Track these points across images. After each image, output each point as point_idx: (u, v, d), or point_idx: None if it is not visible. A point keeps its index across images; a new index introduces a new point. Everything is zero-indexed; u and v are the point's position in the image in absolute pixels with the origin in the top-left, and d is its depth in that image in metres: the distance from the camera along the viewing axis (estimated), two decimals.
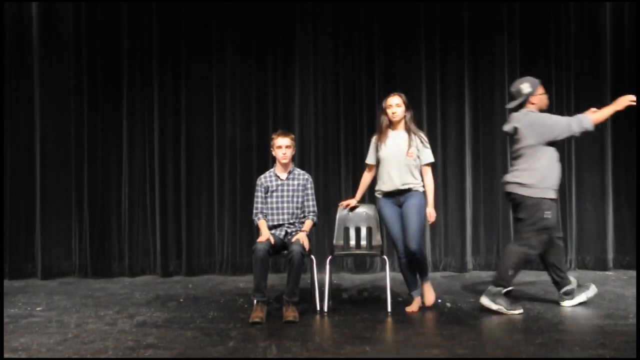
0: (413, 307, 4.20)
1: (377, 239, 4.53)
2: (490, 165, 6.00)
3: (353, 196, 4.57)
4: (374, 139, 4.30)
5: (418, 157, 4.21)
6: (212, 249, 5.89)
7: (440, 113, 6.01)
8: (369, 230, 4.54)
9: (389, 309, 4.17)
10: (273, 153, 4.36)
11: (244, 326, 3.85)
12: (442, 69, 6.02)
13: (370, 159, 4.33)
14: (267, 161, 5.72)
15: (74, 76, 5.80)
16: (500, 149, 5.98)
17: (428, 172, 4.26)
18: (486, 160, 6.02)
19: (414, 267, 4.25)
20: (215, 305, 4.49)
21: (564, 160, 5.98)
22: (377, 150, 4.24)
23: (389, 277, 4.32)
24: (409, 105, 4.25)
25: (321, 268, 4.57)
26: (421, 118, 5.96)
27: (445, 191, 5.98)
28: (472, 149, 6.01)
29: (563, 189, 5.97)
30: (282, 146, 4.27)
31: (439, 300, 4.57)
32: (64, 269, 5.77)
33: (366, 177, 4.42)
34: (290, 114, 5.97)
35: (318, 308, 4.18)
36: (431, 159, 4.28)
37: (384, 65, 5.98)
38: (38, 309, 4.40)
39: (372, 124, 5.91)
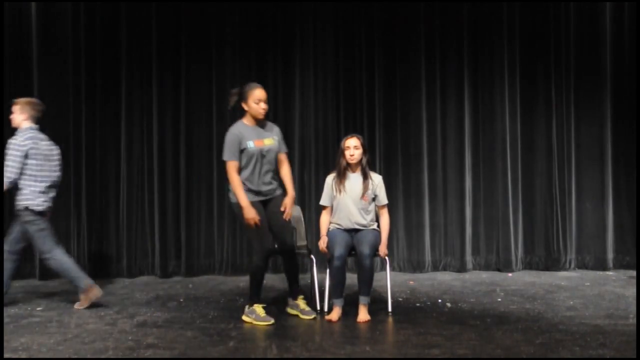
0: (333, 316, 3.99)
1: None
2: (490, 165, 6.01)
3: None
4: (330, 180, 4.29)
5: (373, 200, 4.26)
6: (211, 249, 5.89)
7: (440, 113, 6.01)
8: None
9: (389, 309, 4.16)
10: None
11: (244, 326, 3.85)
12: (442, 68, 6.02)
13: (325, 201, 4.30)
14: None
15: (73, 76, 5.79)
16: (500, 149, 5.98)
17: (384, 214, 4.29)
18: (486, 160, 6.02)
19: (345, 274, 4.08)
20: (216, 305, 4.49)
21: (563, 160, 6.02)
22: (333, 191, 4.24)
23: (389, 277, 4.32)
24: (366, 148, 4.30)
25: (321, 268, 4.57)
26: (421, 118, 5.98)
27: (445, 191, 5.99)
28: (472, 149, 6.01)
29: (563, 189, 6.00)
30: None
31: (439, 300, 4.57)
32: None
33: (325, 219, 4.28)
34: (290, 114, 5.97)
35: (318, 308, 4.18)
36: (385, 201, 4.29)
37: (384, 65, 5.97)
38: (38, 309, 4.40)
39: (372, 124, 5.93)
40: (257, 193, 3.98)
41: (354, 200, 4.19)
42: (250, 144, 3.93)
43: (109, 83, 5.84)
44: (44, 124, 5.78)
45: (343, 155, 4.25)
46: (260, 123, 4.06)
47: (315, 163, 5.91)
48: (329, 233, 4.22)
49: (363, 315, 3.97)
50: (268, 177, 4.03)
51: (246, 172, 3.96)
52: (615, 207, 6.04)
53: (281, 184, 4.16)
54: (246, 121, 4.06)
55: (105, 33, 5.83)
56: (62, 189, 5.76)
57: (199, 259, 5.87)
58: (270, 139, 4.02)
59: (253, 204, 3.90)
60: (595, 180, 6.06)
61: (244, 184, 3.95)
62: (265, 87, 5.83)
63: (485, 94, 6.05)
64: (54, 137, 5.79)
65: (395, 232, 5.88)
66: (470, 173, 5.99)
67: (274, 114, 5.95)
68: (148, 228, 5.84)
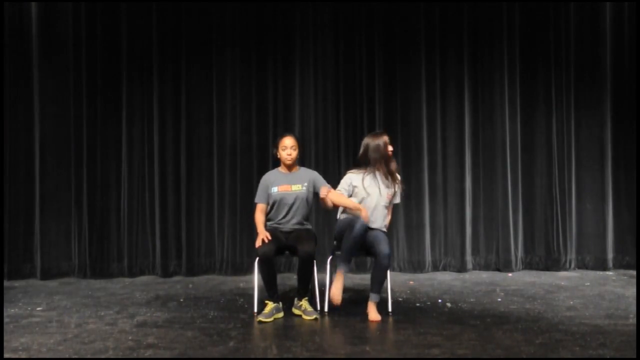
0: (336, 292, 3.94)
1: None
2: (490, 165, 6.01)
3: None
4: (358, 177, 4.18)
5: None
6: (212, 249, 5.89)
7: (440, 113, 6.02)
8: None
9: (389, 309, 4.16)
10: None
11: (244, 326, 3.85)
12: (442, 69, 6.02)
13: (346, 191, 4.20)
14: (267, 161, 5.72)
15: (74, 76, 5.79)
16: (500, 149, 5.98)
17: (390, 211, 4.36)
18: (486, 160, 6.02)
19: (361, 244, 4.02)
20: (216, 305, 4.49)
21: (563, 160, 6.03)
22: (360, 190, 4.16)
23: (389, 277, 4.31)
24: None
25: (321, 268, 4.57)
26: (421, 118, 5.98)
27: (445, 191, 5.99)
28: (472, 149, 6.01)
29: (563, 189, 6.00)
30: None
31: (439, 300, 4.57)
32: (63, 269, 5.76)
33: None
34: (290, 114, 5.97)
35: (318, 308, 4.18)
36: (399, 200, 4.40)
37: (384, 65, 5.98)
38: (38, 309, 4.40)
39: (372, 124, 5.93)
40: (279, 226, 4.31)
41: (383, 200, 4.19)
42: (274, 189, 4.27)
43: (110, 83, 5.84)
44: (45, 124, 5.82)
45: (385, 150, 4.17)
46: (294, 170, 4.36)
47: (315, 163, 5.90)
48: (342, 219, 4.18)
49: (374, 314, 3.97)
50: (294, 221, 4.27)
51: (271, 214, 4.32)
52: (615, 207, 6.04)
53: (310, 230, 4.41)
54: (280, 168, 4.40)
55: (105, 33, 5.83)
56: (63, 189, 5.81)
57: (199, 258, 5.87)
58: (299, 186, 4.27)
59: (270, 229, 4.23)
60: (595, 180, 6.06)
61: (268, 220, 4.31)
62: (265, 87, 5.94)
63: (485, 94, 6.05)
64: (54, 137, 5.84)
65: (395, 232, 5.88)
66: (470, 173, 5.99)
67: (274, 114, 5.97)
68: (149, 228, 5.84)
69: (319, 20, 5.99)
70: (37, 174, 5.74)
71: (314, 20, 5.98)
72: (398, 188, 4.30)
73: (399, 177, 4.32)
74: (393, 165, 4.27)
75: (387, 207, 4.25)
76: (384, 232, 4.21)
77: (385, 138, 4.22)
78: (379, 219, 4.20)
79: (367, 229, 4.00)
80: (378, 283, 4.01)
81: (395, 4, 5.96)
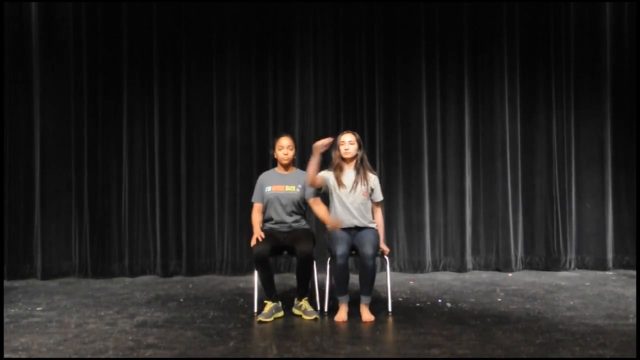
0: (341, 315, 4.00)
1: None
2: (490, 165, 6.01)
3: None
4: (330, 174, 4.26)
5: (370, 196, 4.28)
6: (212, 249, 5.90)
7: (440, 113, 6.02)
8: None
9: (389, 309, 4.17)
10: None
11: (244, 326, 3.85)
12: (442, 69, 6.03)
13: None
14: (267, 161, 5.72)
15: (74, 76, 5.79)
16: (500, 149, 5.98)
17: (379, 211, 4.35)
18: (486, 160, 6.02)
19: (348, 272, 4.05)
20: (216, 305, 4.49)
21: (563, 160, 6.03)
22: (331, 187, 4.23)
23: (389, 277, 4.32)
24: (362, 145, 4.33)
25: (321, 268, 4.57)
26: (421, 118, 5.98)
27: (445, 191, 5.99)
28: (472, 149, 6.01)
29: (563, 189, 6.00)
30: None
31: (439, 300, 4.57)
32: (63, 269, 5.76)
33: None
34: (290, 114, 5.97)
35: (318, 308, 4.18)
36: (381, 197, 4.35)
37: (384, 65, 5.98)
38: (38, 309, 4.40)
39: (372, 124, 5.93)
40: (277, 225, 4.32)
41: (354, 196, 4.19)
42: (268, 189, 4.30)
43: (110, 83, 5.84)
44: (46, 124, 5.82)
45: (338, 149, 4.28)
46: (290, 170, 4.40)
47: None
48: (329, 233, 4.21)
49: (367, 315, 3.97)
50: (289, 221, 4.29)
51: (265, 215, 4.34)
52: (615, 207, 6.04)
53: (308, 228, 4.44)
54: (277, 168, 4.44)
55: (106, 33, 5.83)
56: (63, 189, 5.81)
57: (199, 258, 5.88)
58: (292, 187, 4.29)
59: (267, 229, 4.24)
60: (595, 180, 6.06)
61: (265, 222, 4.33)
62: (265, 87, 5.93)
63: (485, 94, 6.05)
64: (55, 137, 5.84)
65: (395, 232, 5.89)
66: (470, 173, 5.99)
67: (274, 114, 5.97)
68: (149, 228, 5.85)
69: (319, 20, 5.99)
70: (37, 173, 5.74)
71: (314, 20, 5.99)
72: (374, 185, 4.28)
73: (372, 175, 4.30)
74: (364, 164, 4.29)
75: (365, 204, 4.22)
76: (372, 229, 4.21)
77: (342, 137, 4.29)
78: (358, 217, 4.19)
79: (347, 257, 3.98)
80: (366, 284, 4.00)
81: (395, 4, 5.97)
